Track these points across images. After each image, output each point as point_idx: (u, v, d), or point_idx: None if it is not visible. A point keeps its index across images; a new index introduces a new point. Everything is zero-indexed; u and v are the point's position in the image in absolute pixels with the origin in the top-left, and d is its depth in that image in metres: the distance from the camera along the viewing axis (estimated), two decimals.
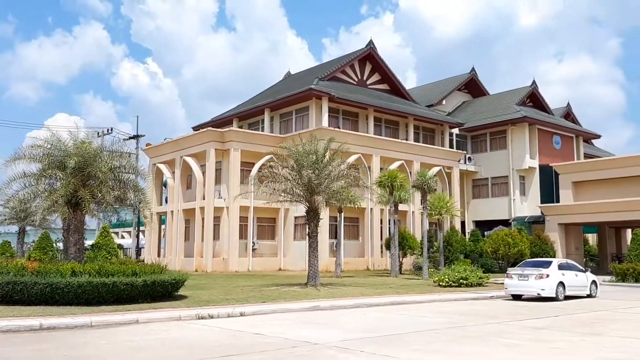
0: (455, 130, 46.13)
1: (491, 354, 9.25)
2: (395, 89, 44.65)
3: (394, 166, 36.95)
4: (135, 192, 18.25)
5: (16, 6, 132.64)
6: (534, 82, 48.39)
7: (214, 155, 34.95)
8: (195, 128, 45.54)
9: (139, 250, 44.20)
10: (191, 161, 35.94)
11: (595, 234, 46.17)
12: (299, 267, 33.62)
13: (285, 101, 39.79)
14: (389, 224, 33.49)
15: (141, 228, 44.44)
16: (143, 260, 34.55)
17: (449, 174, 42.08)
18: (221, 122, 44.90)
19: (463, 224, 44.52)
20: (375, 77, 44.04)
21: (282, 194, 22.48)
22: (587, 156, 49.10)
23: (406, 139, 41.90)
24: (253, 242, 35.26)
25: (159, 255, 38.77)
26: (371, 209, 36.36)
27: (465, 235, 41.15)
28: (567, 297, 19.77)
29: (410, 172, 37.98)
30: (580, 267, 21.70)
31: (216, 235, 34.80)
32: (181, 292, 17.39)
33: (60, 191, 16.67)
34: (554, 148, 45.82)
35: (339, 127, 38.28)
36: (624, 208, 34.84)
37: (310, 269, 22.33)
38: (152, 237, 40.32)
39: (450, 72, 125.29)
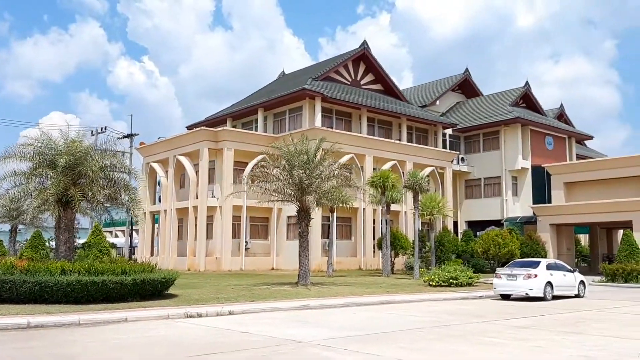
0: (449, 131, 46.32)
1: (472, 352, 9.37)
2: (389, 89, 44.80)
3: (386, 166, 37.08)
4: (126, 191, 18.31)
5: (12, 4, 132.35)
6: (526, 83, 48.66)
7: (207, 155, 35.01)
8: (189, 127, 45.57)
9: (132, 249, 44.20)
10: (184, 160, 36.00)
11: (587, 235, 46.43)
12: (292, 267, 33.68)
13: (279, 101, 39.88)
14: (381, 224, 33.63)
15: (135, 227, 44.43)
16: (136, 260, 34.56)
17: (441, 175, 42.25)
18: (215, 121, 44.97)
19: (456, 224, 44.71)
20: (369, 78, 44.18)
21: (274, 194, 22.58)
22: (579, 157, 49.38)
23: (399, 139, 42.04)
24: (246, 242, 35.34)
25: (152, 254, 38.82)
26: (364, 208, 36.49)
27: (457, 236, 41.34)
28: (555, 297, 19.92)
29: (403, 173, 38.12)
30: (569, 267, 21.87)
31: (209, 235, 34.87)
32: (172, 290, 17.46)
33: (51, 190, 16.73)
34: (547, 149, 46.06)
35: (332, 127, 38.40)
36: (615, 209, 35.10)
37: (301, 269, 22.44)
38: (146, 236, 40.36)
39: (446, 72, 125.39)
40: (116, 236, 65.15)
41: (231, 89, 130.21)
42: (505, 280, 19.94)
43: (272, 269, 35.63)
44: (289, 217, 35.85)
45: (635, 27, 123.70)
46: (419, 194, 30.79)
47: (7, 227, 36.88)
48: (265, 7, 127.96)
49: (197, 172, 35.51)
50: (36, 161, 17.31)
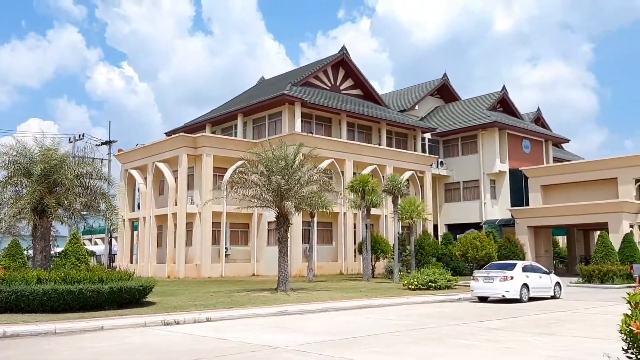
0: (428, 135, 46.72)
1: (445, 354, 9.53)
2: (368, 94, 45.09)
3: (366, 171, 37.25)
4: (103, 199, 18.23)
5: None
6: (503, 87, 49.32)
7: (186, 161, 34.90)
8: (168, 133, 45.40)
9: (111, 256, 43.83)
10: (163, 167, 35.84)
11: (564, 237, 47.07)
12: (273, 272, 33.52)
13: (258, 106, 39.92)
14: (362, 228, 33.78)
15: (114, 234, 44.06)
16: (115, 267, 34.28)
17: (421, 178, 42.58)
18: (194, 127, 44.86)
19: (436, 227, 45.06)
20: (349, 83, 44.43)
21: (252, 200, 22.60)
22: (556, 160, 50.11)
23: (379, 144, 42.30)
24: (226, 248, 35.25)
25: (131, 262, 38.53)
26: (344, 213, 36.63)
27: (437, 239, 41.66)
28: (531, 299, 20.22)
29: (383, 177, 38.29)
30: (545, 269, 22.20)
31: (189, 241, 34.73)
32: (150, 298, 17.42)
33: (26, 198, 16.63)
34: (524, 152, 46.68)
35: (312, 132, 38.51)
36: (591, 211, 35.66)
37: (280, 274, 22.48)
38: (125, 243, 40.06)
39: (427, 76, 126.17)
40: (95, 244, 64.49)
41: (211, 94, 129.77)
42: (482, 282, 20.20)
43: (253, 275, 35.58)
44: (269, 223, 35.81)
45: (611, 32, 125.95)
46: (399, 198, 31.04)
47: None
48: (246, 11, 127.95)
49: (176, 179, 35.36)
50: (11, 170, 17.20)
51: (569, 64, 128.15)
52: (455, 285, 25.07)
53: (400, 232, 35.16)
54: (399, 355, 9.53)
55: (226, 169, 34.53)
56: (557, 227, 41.80)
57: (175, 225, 34.71)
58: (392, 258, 32.07)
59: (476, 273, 20.99)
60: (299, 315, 15.86)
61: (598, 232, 35.07)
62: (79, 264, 24.45)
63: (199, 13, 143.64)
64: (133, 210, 40.25)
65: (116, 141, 45.49)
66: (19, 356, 9.67)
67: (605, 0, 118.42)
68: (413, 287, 23.64)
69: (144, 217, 37.56)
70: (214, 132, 43.43)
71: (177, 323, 13.77)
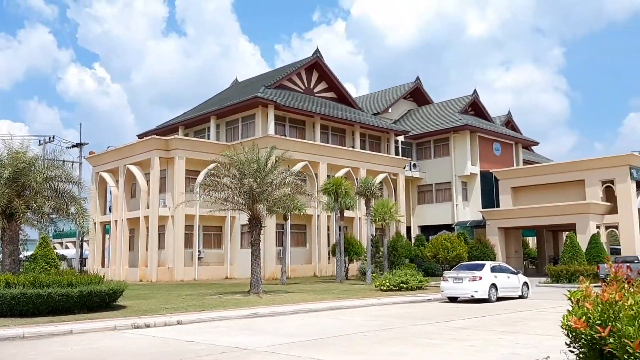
0: (401, 138, 47.18)
1: (410, 354, 9.74)
2: (342, 97, 45.38)
3: (340, 173, 37.51)
4: (72, 202, 18.09)
5: None
6: (474, 91, 50.05)
7: (159, 164, 34.72)
8: (140, 136, 45.04)
9: (83, 260, 43.31)
10: (135, 170, 35.58)
11: (534, 237, 47.94)
12: (246, 275, 33.36)
13: (232, 109, 39.89)
14: (336, 230, 33.98)
15: (85, 238, 43.54)
16: (86, 271, 33.91)
17: (394, 181, 42.98)
18: (167, 129, 44.60)
19: (409, 229, 45.54)
20: (322, 86, 44.65)
21: (224, 203, 22.61)
22: (527, 162, 51.01)
23: (352, 147, 42.59)
24: (199, 251, 35.14)
25: (103, 266, 38.16)
26: (318, 215, 36.80)
27: (411, 240, 42.11)
28: (500, 299, 20.62)
29: (357, 179, 38.59)
30: (513, 270, 22.65)
31: (161, 245, 34.54)
32: (121, 302, 17.34)
33: None
34: (495, 155, 47.44)
35: (285, 135, 38.63)
36: (559, 212, 36.44)
37: (253, 277, 22.52)
38: (96, 247, 39.65)
39: (402, 79, 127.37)
40: (66, 247, 63.56)
41: (186, 96, 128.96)
42: (452, 283, 20.54)
43: (227, 278, 35.52)
44: (242, 226, 35.80)
45: (581, 36, 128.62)
46: (371, 200, 31.32)
47: None
48: (220, 13, 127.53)
49: (148, 182, 35.15)
50: None
51: (540, 68, 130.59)
52: (426, 286, 25.41)
53: (374, 234, 35.48)
54: (364, 355, 9.72)
55: (199, 172, 34.45)
56: (526, 228, 42.57)
57: (147, 228, 34.49)
58: (366, 260, 32.36)
59: (446, 274, 21.34)
60: (270, 318, 15.95)
61: (566, 233, 35.88)
62: (48, 268, 24.18)
63: (173, 14, 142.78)
64: (105, 214, 39.86)
65: (87, 143, 45.17)
66: None
67: (576, 5, 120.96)
68: (385, 288, 23.90)
69: (116, 220, 37.24)
70: (186, 135, 43.25)
71: (148, 326, 13.76)
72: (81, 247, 43.64)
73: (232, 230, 36.47)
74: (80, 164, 43.38)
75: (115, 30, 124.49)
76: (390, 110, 49.85)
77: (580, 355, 4.37)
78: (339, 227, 31.85)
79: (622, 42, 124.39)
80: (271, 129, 37.60)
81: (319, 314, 16.98)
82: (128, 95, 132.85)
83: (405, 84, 54.05)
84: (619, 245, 37.62)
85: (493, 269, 21.14)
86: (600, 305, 4.34)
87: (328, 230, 37.93)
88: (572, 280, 28.79)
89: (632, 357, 3.72)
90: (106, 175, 38.31)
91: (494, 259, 35.49)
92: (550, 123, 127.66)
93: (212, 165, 31.95)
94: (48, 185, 17.32)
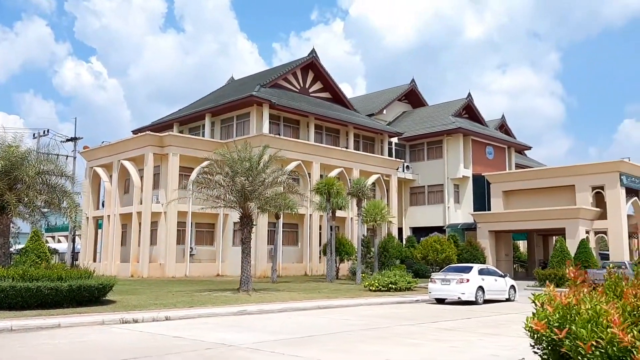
0: (395, 139, 47.38)
1: (392, 353, 9.91)
2: (337, 97, 45.55)
3: (333, 173, 37.68)
4: (64, 197, 18.19)
5: None
6: (469, 94, 50.33)
7: (153, 160, 34.80)
8: (135, 132, 45.10)
9: (75, 254, 43.31)
10: (129, 165, 35.65)
11: (525, 241, 48.23)
12: (238, 273, 33.39)
13: (227, 107, 40.00)
14: (327, 230, 34.15)
15: (77, 232, 43.56)
16: (78, 266, 33.95)
17: (387, 182, 43.18)
18: (162, 126, 44.67)
19: (400, 230, 45.76)
20: (318, 86, 44.80)
21: (216, 200, 22.76)
22: (520, 166, 51.31)
23: (346, 147, 42.77)
24: (191, 248, 35.24)
25: (94, 260, 38.19)
26: (310, 215, 36.95)
27: (402, 242, 42.32)
28: (487, 301, 20.83)
29: (350, 180, 38.77)
30: (500, 273, 22.90)
31: (153, 241, 34.62)
32: (110, 297, 17.47)
33: None
34: (487, 158, 47.70)
35: (279, 134, 38.76)
36: (549, 216, 36.72)
37: (243, 275, 22.68)
38: (88, 241, 39.68)
39: (399, 80, 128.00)
40: (59, 241, 63.49)
41: (183, 93, 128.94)
42: (440, 284, 20.74)
43: (218, 275, 35.64)
44: (235, 223, 35.90)
45: (577, 41, 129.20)
46: (362, 201, 31.51)
47: None
48: (219, 10, 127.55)
49: (141, 178, 35.21)
50: None
51: (537, 72, 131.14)
52: (415, 287, 25.62)
53: (365, 234, 35.67)
54: (347, 353, 9.89)
55: (192, 169, 34.54)
56: (517, 232, 42.86)
57: (140, 224, 34.56)
58: (356, 260, 32.55)
59: (434, 275, 21.55)
60: (258, 315, 16.11)
61: (556, 237, 36.17)
62: (39, 262, 24.25)
63: (171, 10, 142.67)
64: (97, 208, 39.91)
65: (82, 138, 44.92)
66: None
67: (572, 11, 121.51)
68: (374, 288, 24.09)
69: (109, 216, 37.30)
70: (181, 132, 43.33)
71: (136, 321, 13.89)
72: (73, 241, 43.65)
73: (224, 227, 36.59)
74: (75, 158, 43.38)
75: (113, 25, 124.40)
76: (384, 111, 50.08)
77: (544, 356, 4.56)
78: (331, 227, 32.02)
79: (618, 47, 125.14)
80: (265, 128, 37.74)
81: (307, 312, 17.15)
82: (125, 91, 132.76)
83: (401, 86, 54.28)
84: (608, 251, 37.95)
85: (481, 272, 21.36)
86: (560, 309, 4.52)
87: (320, 229, 38.09)
88: (560, 285, 28.91)
89: (585, 359, 3.91)
90: (100, 170, 38.36)
91: (484, 262, 35.75)
92: (545, 127, 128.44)
93: (205, 163, 32.07)
94: (40, 179, 17.42)
